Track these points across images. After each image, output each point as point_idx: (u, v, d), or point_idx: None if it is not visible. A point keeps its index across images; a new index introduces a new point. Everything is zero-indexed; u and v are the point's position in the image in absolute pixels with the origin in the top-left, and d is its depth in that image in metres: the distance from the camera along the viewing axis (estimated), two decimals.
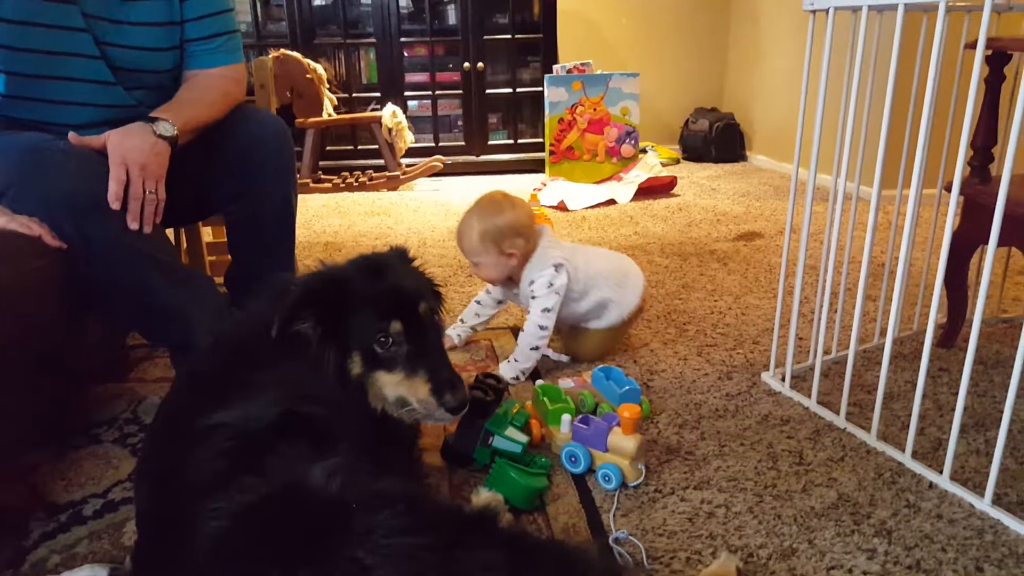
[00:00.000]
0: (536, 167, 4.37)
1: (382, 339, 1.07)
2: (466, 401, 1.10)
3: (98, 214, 1.30)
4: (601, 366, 1.57)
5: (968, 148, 1.66)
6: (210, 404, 1.04)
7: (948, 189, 1.75)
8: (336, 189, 3.98)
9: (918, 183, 1.33)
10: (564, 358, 1.80)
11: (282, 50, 3.78)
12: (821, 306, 1.58)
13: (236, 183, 1.61)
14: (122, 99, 1.49)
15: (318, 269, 1.17)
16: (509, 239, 1.68)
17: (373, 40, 4.23)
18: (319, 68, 3.84)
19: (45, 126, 1.42)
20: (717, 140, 4.60)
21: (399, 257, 1.23)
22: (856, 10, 1.39)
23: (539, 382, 1.54)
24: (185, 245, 2.01)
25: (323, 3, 4.22)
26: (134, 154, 1.34)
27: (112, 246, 1.32)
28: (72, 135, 1.35)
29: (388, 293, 1.11)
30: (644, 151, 4.50)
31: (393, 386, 1.09)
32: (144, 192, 1.35)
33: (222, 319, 1.51)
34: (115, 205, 1.32)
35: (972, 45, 1.59)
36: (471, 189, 4.02)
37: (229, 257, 1.76)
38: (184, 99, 1.53)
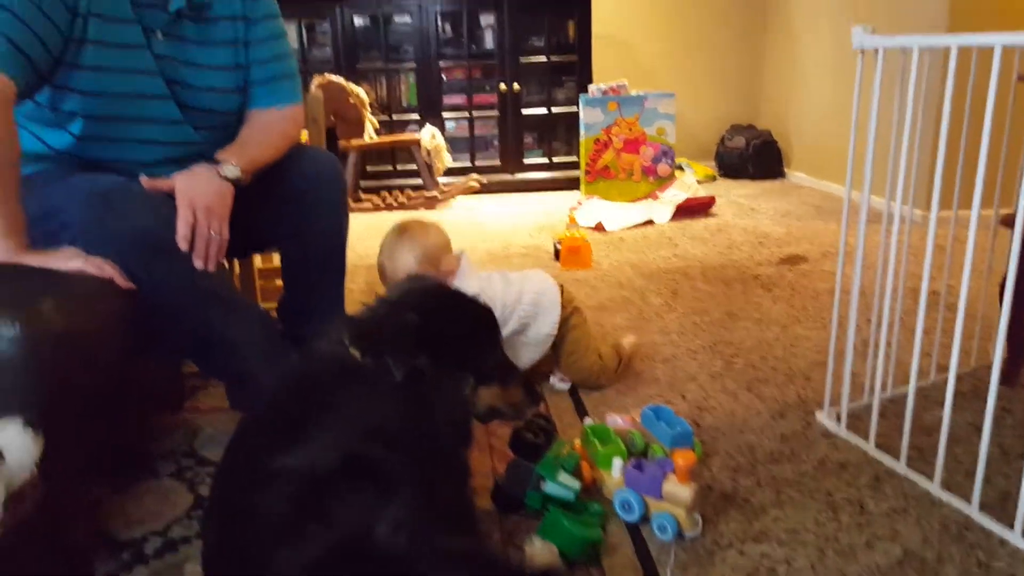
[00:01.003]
0: (570, 185, 4.38)
1: (491, 361, 1.18)
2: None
3: (166, 255, 1.33)
4: (651, 405, 1.56)
5: None
6: (276, 445, 1.06)
7: (1005, 223, 1.73)
8: (376, 209, 4.02)
9: (976, 215, 1.30)
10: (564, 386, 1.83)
11: (326, 75, 3.83)
12: (877, 342, 1.56)
13: (291, 220, 1.63)
14: (189, 137, 1.53)
15: (392, 302, 1.19)
16: (444, 256, 1.74)
17: (413, 64, 4.28)
18: (361, 92, 3.88)
19: (115, 164, 1.46)
20: (754, 157, 4.57)
21: (436, 283, 1.33)
22: (907, 50, 1.37)
23: (587, 421, 1.53)
24: (237, 270, 2.05)
25: (365, 28, 4.28)
26: (201, 197, 1.38)
27: (178, 286, 1.35)
28: (143, 179, 1.39)
29: (481, 319, 1.21)
30: (680, 167, 4.49)
31: (491, 398, 1.20)
32: (209, 233, 1.38)
33: (278, 353, 1.55)
34: (184, 246, 1.35)
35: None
36: (506, 208, 4.04)
37: (278, 282, 1.79)
38: (247, 140, 1.56)
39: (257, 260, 2.35)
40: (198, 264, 1.37)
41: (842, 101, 4.04)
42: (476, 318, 1.21)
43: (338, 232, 1.70)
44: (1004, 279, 1.78)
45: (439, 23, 4.28)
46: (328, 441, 1.03)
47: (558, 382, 1.84)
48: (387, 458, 1.03)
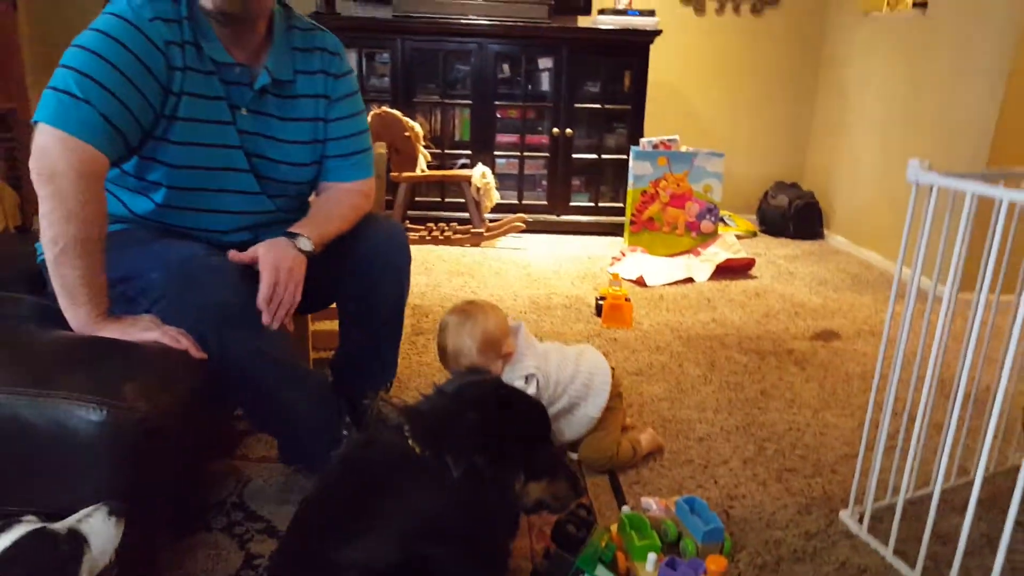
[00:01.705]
0: (614, 231, 4.44)
1: (541, 458, 1.27)
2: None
3: (238, 327, 1.43)
4: (686, 496, 1.63)
5: None
6: (337, 535, 1.15)
7: None
8: (422, 241, 4.12)
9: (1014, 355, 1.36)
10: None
11: (383, 107, 3.95)
12: (908, 439, 1.60)
13: (356, 285, 1.73)
14: (265, 207, 1.63)
15: (453, 398, 1.28)
16: (503, 340, 1.79)
17: (469, 102, 4.38)
18: (416, 127, 3.99)
19: (192, 231, 1.56)
20: (796, 218, 4.61)
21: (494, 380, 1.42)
22: (960, 192, 1.43)
23: (625, 509, 1.61)
24: (291, 328, 2.14)
25: (424, 62, 4.38)
26: (283, 262, 1.48)
27: (247, 355, 1.45)
28: (231, 253, 1.49)
29: (535, 418, 1.31)
30: (723, 220, 4.55)
31: (539, 492, 1.28)
32: (284, 295, 1.48)
33: (332, 419, 1.65)
34: (263, 307, 1.45)
35: None
36: (551, 250, 4.13)
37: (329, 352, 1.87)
38: (320, 214, 1.66)
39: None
40: (265, 320, 1.46)
41: (885, 171, 4.08)
42: (531, 417, 1.29)
43: (399, 299, 1.79)
44: None
45: (497, 63, 4.39)
46: (388, 535, 1.12)
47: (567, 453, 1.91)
48: (441, 555, 1.12)
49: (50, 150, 1.27)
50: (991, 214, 1.37)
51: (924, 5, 3.80)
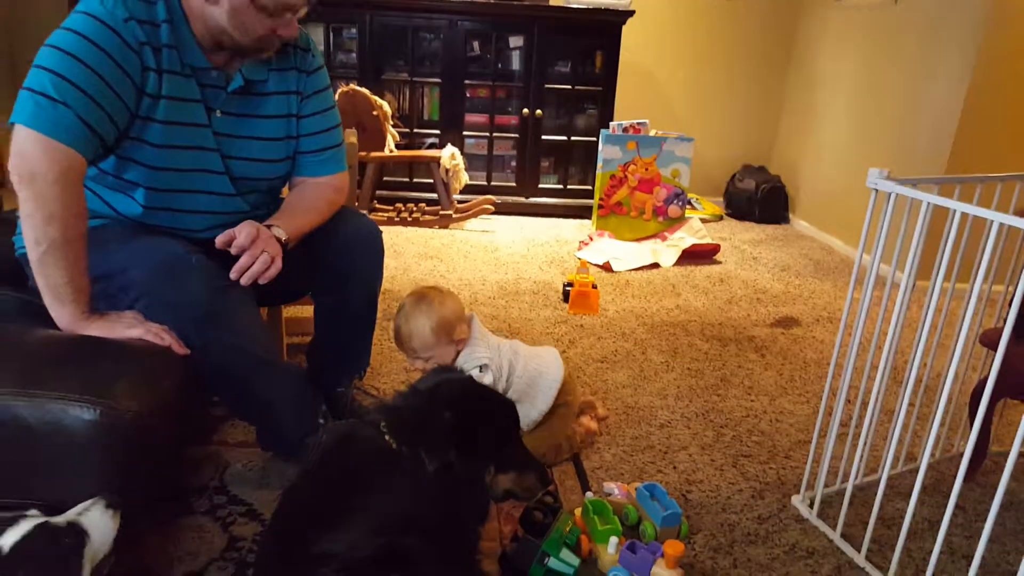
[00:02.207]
0: (583, 213, 4.52)
1: (510, 451, 1.35)
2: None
3: (218, 324, 1.46)
4: (647, 482, 1.72)
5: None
6: (318, 527, 1.21)
7: (983, 343, 1.88)
8: (391, 222, 4.16)
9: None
10: None
11: (351, 85, 3.95)
12: (856, 427, 1.70)
13: (330, 279, 1.78)
14: (239, 207, 1.65)
15: (427, 397, 1.34)
16: (457, 326, 1.83)
17: (439, 80, 4.39)
18: (385, 105, 4.00)
19: (170, 230, 1.59)
20: (762, 202, 4.72)
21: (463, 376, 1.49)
22: (916, 200, 1.51)
23: (589, 495, 1.69)
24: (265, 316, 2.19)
25: (393, 38, 4.37)
26: (261, 229, 1.54)
27: (227, 349, 1.49)
28: (219, 238, 1.52)
29: (505, 414, 1.38)
30: (690, 203, 4.64)
31: (508, 483, 1.35)
32: (262, 253, 1.51)
33: (309, 408, 1.70)
34: (237, 252, 1.50)
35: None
36: (520, 233, 4.19)
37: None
38: (294, 208, 1.69)
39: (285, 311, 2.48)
40: (235, 276, 1.49)
41: (850, 158, 4.19)
42: (502, 414, 1.36)
43: (372, 292, 1.84)
44: (977, 386, 1.94)
45: (467, 40, 4.40)
46: (366, 527, 1.18)
47: None
48: (415, 545, 1.19)
49: (29, 152, 1.29)
50: (947, 213, 1.46)
51: None
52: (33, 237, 1.31)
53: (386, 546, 1.17)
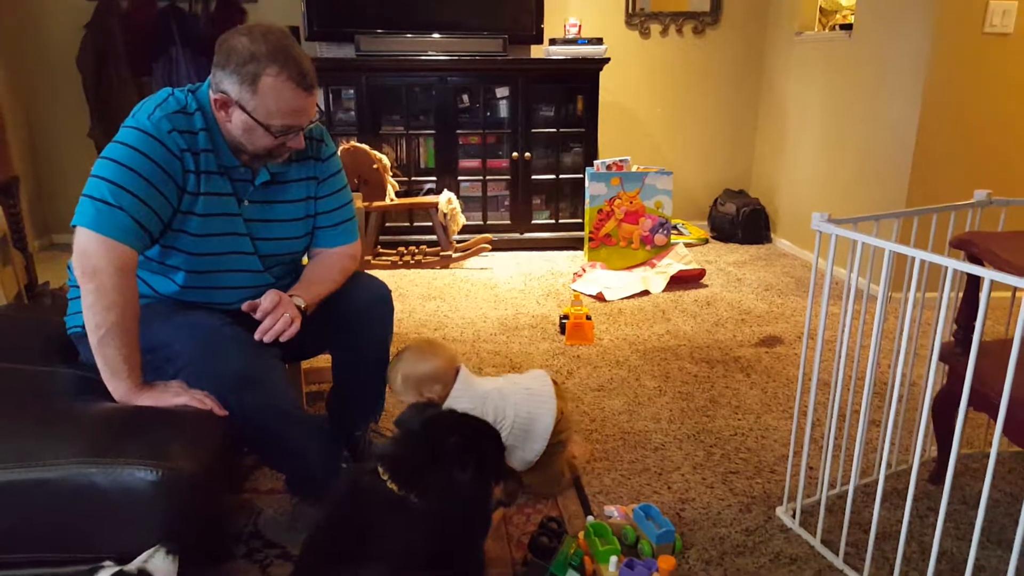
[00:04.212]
0: (574, 245, 4.73)
1: (502, 468, 1.55)
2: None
3: (254, 388, 1.65)
4: (643, 503, 1.91)
5: (952, 323, 2.00)
6: (336, 566, 1.38)
7: (940, 358, 2.07)
8: (394, 266, 4.36)
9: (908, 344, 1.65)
10: None
11: (352, 142, 4.17)
12: (828, 440, 1.87)
13: (346, 337, 1.97)
14: (266, 280, 1.85)
15: (420, 434, 1.51)
16: (427, 385, 1.97)
17: (432, 131, 4.63)
18: (384, 159, 4.22)
19: (206, 305, 1.79)
20: (744, 224, 4.93)
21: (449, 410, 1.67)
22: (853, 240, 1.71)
23: (590, 519, 1.87)
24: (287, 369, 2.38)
25: (388, 96, 4.62)
26: (283, 297, 1.75)
27: (261, 409, 1.68)
28: (245, 305, 1.72)
29: (489, 430, 1.57)
30: (676, 228, 4.86)
31: (499, 493, 1.55)
32: (283, 316, 1.71)
33: (332, 457, 1.89)
34: (261, 317, 1.70)
35: (955, 244, 1.93)
36: (516, 268, 4.39)
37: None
38: (312, 278, 1.89)
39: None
40: (258, 337, 1.69)
41: (820, 178, 4.42)
42: (490, 431, 1.56)
43: (383, 348, 2.04)
44: (937, 396, 2.13)
45: (457, 94, 4.64)
46: (381, 566, 1.36)
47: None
48: None
49: (91, 251, 1.51)
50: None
51: (850, 27, 4.13)
52: (94, 322, 1.51)
53: None
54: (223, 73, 1.65)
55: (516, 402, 2.00)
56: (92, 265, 1.50)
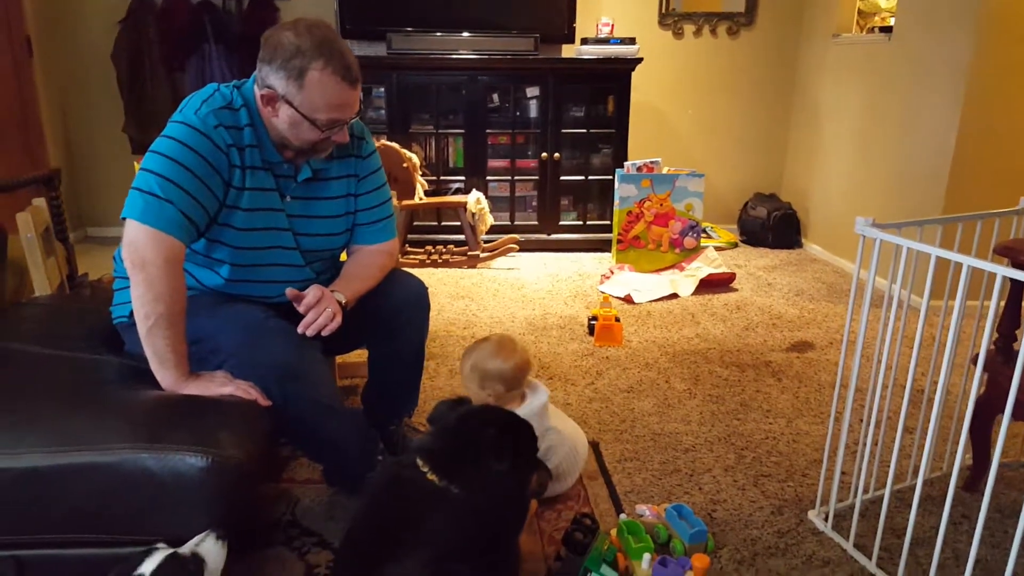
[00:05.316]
0: (602, 247, 4.73)
1: (535, 458, 1.59)
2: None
3: (297, 379, 1.69)
4: (675, 503, 1.92)
5: (994, 331, 1.99)
6: (378, 556, 1.40)
7: (974, 362, 2.06)
8: (422, 265, 4.39)
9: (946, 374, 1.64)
10: None
11: (382, 140, 4.20)
12: (864, 445, 1.87)
13: (383, 333, 2.00)
14: (307, 275, 1.89)
15: (457, 428, 1.54)
16: (490, 382, 1.96)
17: (462, 130, 4.65)
18: (414, 157, 4.26)
19: (249, 298, 1.82)
20: (775, 228, 4.91)
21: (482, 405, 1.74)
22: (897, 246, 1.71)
23: (623, 516, 1.88)
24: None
25: (418, 94, 4.65)
26: (326, 291, 1.77)
27: (304, 401, 1.71)
28: (288, 291, 1.74)
29: (523, 424, 1.59)
30: (705, 231, 4.85)
31: (534, 484, 1.57)
32: (325, 310, 1.74)
33: (369, 449, 1.92)
34: (304, 311, 1.73)
35: (1000, 251, 1.92)
36: (544, 269, 4.41)
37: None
38: (351, 274, 1.92)
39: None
40: (302, 330, 1.71)
41: (856, 186, 4.38)
42: (524, 425, 1.59)
43: (419, 344, 2.07)
44: (976, 403, 2.12)
45: (487, 93, 4.66)
46: (420, 558, 1.37)
47: None
48: (463, 571, 1.38)
49: (140, 243, 1.54)
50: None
51: (889, 29, 4.10)
52: (143, 313, 1.54)
53: (436, 572, 1.36)
54: (269, 68, 1.68)
55: (563, 454, 2.03)
56: (141, 256, 1.54)
